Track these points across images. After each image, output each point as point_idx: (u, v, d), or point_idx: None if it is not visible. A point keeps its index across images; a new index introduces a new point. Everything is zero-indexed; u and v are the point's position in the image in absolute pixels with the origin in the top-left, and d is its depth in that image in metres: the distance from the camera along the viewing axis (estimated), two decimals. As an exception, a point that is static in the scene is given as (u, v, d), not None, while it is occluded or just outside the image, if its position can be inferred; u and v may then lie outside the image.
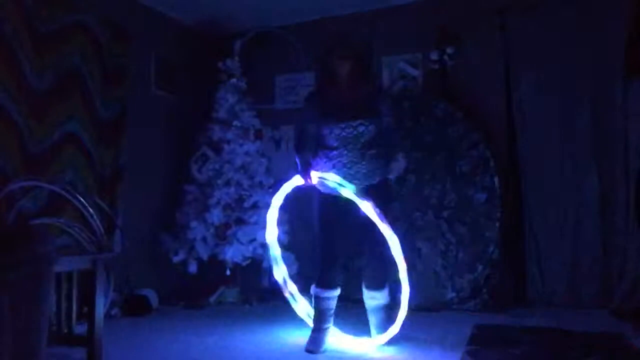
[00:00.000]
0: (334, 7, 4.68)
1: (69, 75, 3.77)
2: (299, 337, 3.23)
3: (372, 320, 3.09)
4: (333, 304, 3.06)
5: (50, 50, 3.63)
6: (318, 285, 3.04)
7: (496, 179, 4.12)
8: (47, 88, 3.61)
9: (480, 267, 4.03)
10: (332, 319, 3.06)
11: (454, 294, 4.06)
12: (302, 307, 3.31)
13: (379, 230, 2.89)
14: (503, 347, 2.89)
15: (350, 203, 2.89)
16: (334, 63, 3.03)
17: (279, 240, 4.53)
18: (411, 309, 3.82)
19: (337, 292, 3.05)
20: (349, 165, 2.98)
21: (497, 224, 4.05)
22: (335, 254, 3.04)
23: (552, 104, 4.20)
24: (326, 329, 3.03)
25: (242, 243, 4.33)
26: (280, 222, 4.66)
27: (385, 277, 3.10)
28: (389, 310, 3.09)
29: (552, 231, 4.13)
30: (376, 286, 3.06)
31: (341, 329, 3.16)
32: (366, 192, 2.91)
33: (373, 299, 3.07)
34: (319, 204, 3.12)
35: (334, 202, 2.97)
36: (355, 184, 2.91)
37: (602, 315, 3.68)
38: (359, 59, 3.08)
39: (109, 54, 4.10)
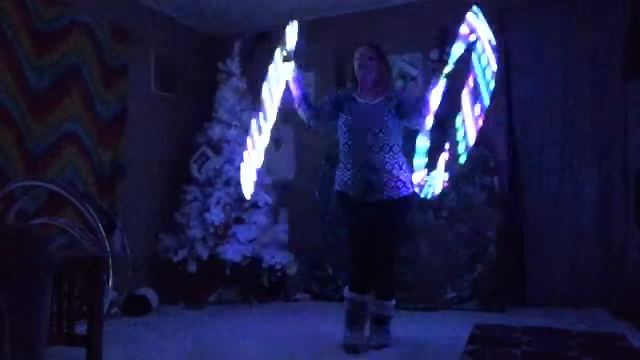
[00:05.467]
0: (334, 7, 4.68)
1: (69, 75, 3.77)
2: (299, 336, 3.23)
3: (373, 329, 3.03)
4: (365, 309, 2.98)
5: (50, 50, 3.63)
6: (350, 287, 2.96)
7: (496, 179, 4.12)
8: (47, 88, 3.61)
9: (480, 267, 4.02)
10: (366, 321, 3.00)
11: (454, 294, 4.06)
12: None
13: (398, 233, 2.93)
14: (503, 347, 2.89)
15: (370, 204, 2.89)
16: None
17: (279, 240, 4.55)
18: (411, 309, 3.85)
19: (371, 296, 2.98)
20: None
21: (497, 224, 4.05)
22: (367, 251, 2.93)
23: (552, 104, 4.20)
24: (361, 329, 2.97)
25: (242, 243, 4.33)
26: (280, 222, 4.68)
27: (394, 288, 3.05)
28: (389, 325, 3.04)
29: (552, 231, 4.13)
30: (386, 296, 3.00)
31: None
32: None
33: (379, 308, 3.01)
34: (342, 206, 3.07)
35: (352, 201, 2.96)
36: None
37: (602, 315, 3.68)
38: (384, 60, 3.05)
39: (109, 54, 4.10)
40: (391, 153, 2.88)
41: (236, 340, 3.20)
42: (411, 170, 2.95)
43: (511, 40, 4.33)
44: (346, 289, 2.99)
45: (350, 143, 2.94)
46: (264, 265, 4.40)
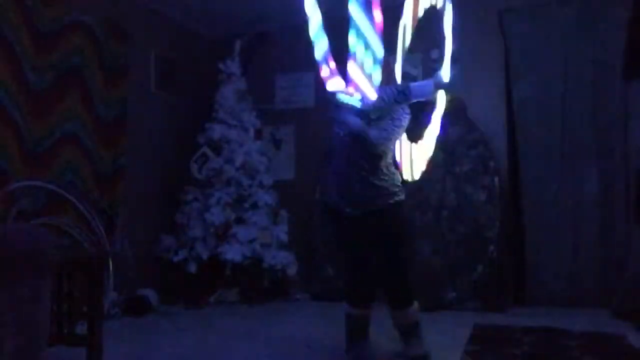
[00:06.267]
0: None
1: (69, 75, 3.77)
2: (299, 336, 3.23)
3: (406, 341, 2.80)
4: (368, 322, 2.80)
5: (50, 50, 3.63)
6: (350, 302, 2.78)
7: (496, 179, 4.12)
8: (47, 88, 3.61)
9: (480, 267, 4.03)
10: (368, 337, 2.82)
11: (454, 294, 4.06)
12: None
13: (402, 238, 2.76)
14: (503, 347, 2.89)
15: (374, 215, 2.70)
16: None
17: (278, 240, 4.55)
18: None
19: (372, 309, 2.80)
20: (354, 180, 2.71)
21: (497, 224, 4.05)
22: (364, 264, 2.73)
23: (552, 104, 4.20)
24: (365, 339, 2.81)
25: (242, 243, 4.33)
26: (280, 222, 4.68)
27: (412, 291, 2.81)
28: (420, 330, 2.82)
29: (552, 231, 4.14)
30: (404, 303, 2.78)
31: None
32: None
33: (404, 317, 2.79)
34: (333, 220, 2.84)
35: (358, 218, 2.72)
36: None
37: (602, 315, 3.68)
38: None
39: (109, 54, 4.10)
40: (385, 159, 2.74)
41: (236, 340, 3.20)
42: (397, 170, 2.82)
43: (511, 40, 4.33)
44: (345, 305, 2.82)
45: (345, 151, 2.73)
46: (264, 265, 4.41)
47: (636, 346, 2.88)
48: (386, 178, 2.73)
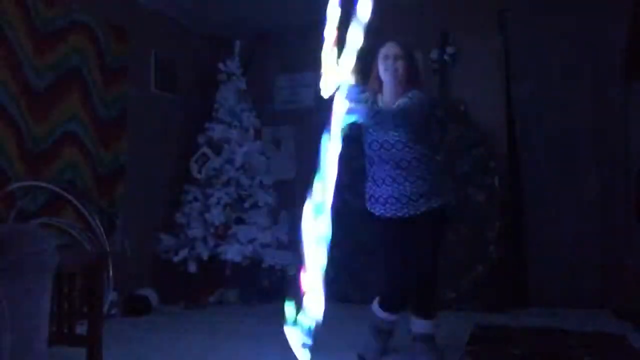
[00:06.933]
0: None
1: (69, 75, 3.77)
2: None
3: (421, 349, 2.73)
4: (393, 329, 2.78)
5: (50, 50, 3.63)
6: (384, 308, 2.73)
7: (496, 179, 4.12)
8: (47, 88, 3.61)
9: (480, 267, 4.02)
10: (389, 337, 2.80)
11: (454, 294, 4.06)
12: None
13: (438, 245, 2.66)
14: (503, 347, 2.89)
15: (408, 222, 2.61)
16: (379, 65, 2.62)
17: (279, 241, 4.55)
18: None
19: (399, 316, 2.76)
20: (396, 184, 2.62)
21: (497, 224, 4.05)
22: (403, 275, 2.65)
23: (552, 104, 4.21)
24: (381, 343, 2.79)
25: (242, 243, 4.33)
26: (280, 222, 4.68)
27: (436, 304, 2.78)
28: (435, 342, 2.75)
29: (552, 231, 4.14)
30: (427, 314, 2.72)
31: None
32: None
33: (421, 328, 2.73)
34: (377, 228, 2.74)
35: (390, 224, 2.65)
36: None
37: (602, 315, 3.68)
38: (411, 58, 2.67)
39: (109, 54, 4.10)
40: (420, 162, 2.61)
41: (236, 340, 3.20)
42: (443, 175, 2.73)
43: (511, 40, 4.33)
44: (375, 304, 2.77)
45: (375, 156, 2.64)
46: (264, 265, 4.40)
47: (636, 346, 2.88)
48: (424, 183, 2.62)
